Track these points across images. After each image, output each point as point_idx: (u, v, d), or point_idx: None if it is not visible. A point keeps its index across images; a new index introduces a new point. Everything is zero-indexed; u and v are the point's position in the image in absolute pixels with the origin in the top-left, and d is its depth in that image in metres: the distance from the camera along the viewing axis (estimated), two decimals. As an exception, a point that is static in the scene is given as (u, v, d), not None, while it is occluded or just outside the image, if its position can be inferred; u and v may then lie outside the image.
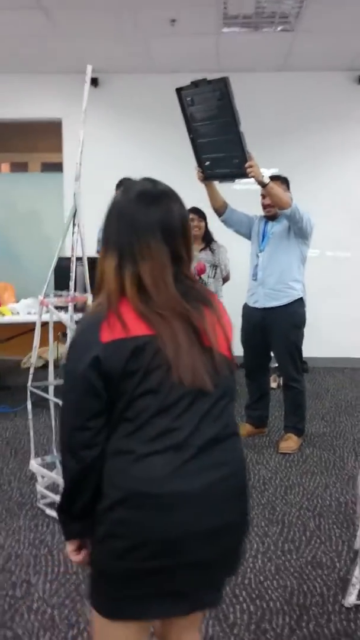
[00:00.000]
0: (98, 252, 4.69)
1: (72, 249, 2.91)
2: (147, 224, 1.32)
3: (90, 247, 3.42)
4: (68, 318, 2.93)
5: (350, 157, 6.09)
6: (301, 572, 2.54)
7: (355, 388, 5.46)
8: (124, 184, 1.43)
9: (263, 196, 3.87)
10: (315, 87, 6.04)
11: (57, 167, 6.73)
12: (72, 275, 2.94)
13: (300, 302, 3.85)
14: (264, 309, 3.84)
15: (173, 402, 1.27)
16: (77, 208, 2.87)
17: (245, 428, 4.10)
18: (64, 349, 3.76)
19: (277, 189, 3.52)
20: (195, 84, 3.22)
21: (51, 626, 2.21)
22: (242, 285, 4.11)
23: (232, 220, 3.93)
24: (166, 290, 1.30)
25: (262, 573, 2.53)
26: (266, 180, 3.42)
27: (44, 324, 4.69)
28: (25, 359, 6.01)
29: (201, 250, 4.59)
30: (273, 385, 5.53)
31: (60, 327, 3.64)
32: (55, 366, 3.24)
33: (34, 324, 4.86)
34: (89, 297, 2.99)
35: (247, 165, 3.30)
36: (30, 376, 3.10)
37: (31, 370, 3.10)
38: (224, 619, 2.23)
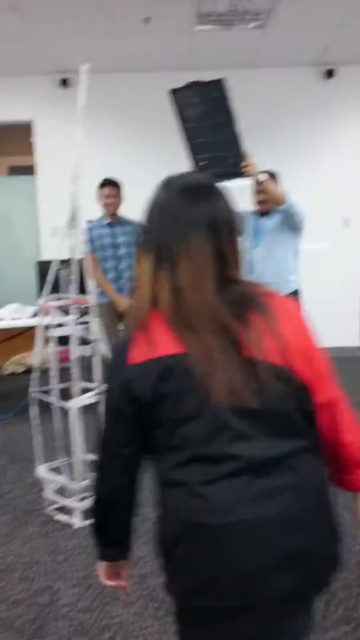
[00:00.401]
0: (87, 254, 4.67)
1: (69, 252, 2.88)
2: (192, 219, 1.19)
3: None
4: (71, 321, 2.90)
5: (321, 151, 6.21)
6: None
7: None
8: (165, 180, 1.34)
9: (257, 192, 3.92)
10: (285, 83, 6.14)
11: (27, 169, 6.66)
12: (73, 277, 2.90)
13: (296, 293, 3.93)
14: None
15: (220, 426, 1.12)
16: (75, 210, 2.84)
17: None
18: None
19: (273, 185, 3.56)
20: (190, 85, 3.24)
21: (82, 632, 2.19)
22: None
23: None
24: (204, 295, 1.16)
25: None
26: (262, 177, 3.45)
27: (30, 329, 4.65)
28: (6, 364, 5.92)
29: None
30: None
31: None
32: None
33: (18, 329, 4.85)
34: (91, 299, 2.97)
35: (243, 164, 3.33)
36: (33, 382, 3.05)
37: (34, 376, 3.05)
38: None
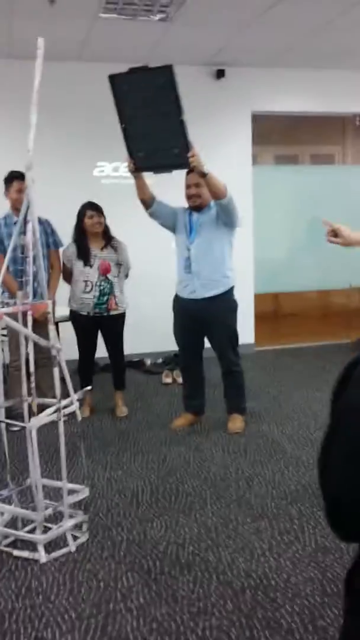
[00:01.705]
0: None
1: (27, 249, 2.54)
2: None
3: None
4: (28, 331, 2.56)
5: (216, 149, 6.20)
6: (316, 560, 2.53)
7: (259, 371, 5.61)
8: None
9: (188, 186, 3.79)
10: (178, 81, 6.05)
11: None
12: (30, 279, 2.56)
13: (232, 289, 3.91)
14: (202, 299, 3.81)
15: None
16: (30, 203, 2.52)
17: (186, 417, 4.22)
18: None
19: (215, 178, 3.46)
20: (133, 70, 3.02)
21: None
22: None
23: (159, 213, 3.79)
24: None
25: (283, 571, 2.47)
26: (206, 170, 3.34)
27: None
28: None
29: (102, 248, 4.33)
30: (167, 380, 5.50)
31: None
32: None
33: None
34: (49, 305, 2.65)
35: (189, 155, 3.18)
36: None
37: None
38: (278, 627, 2.12)
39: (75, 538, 2.72)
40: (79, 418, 2.80)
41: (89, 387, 3.23)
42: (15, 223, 4.13)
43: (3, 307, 2.64)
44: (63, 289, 4.42)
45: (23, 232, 2.55)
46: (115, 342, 4.50)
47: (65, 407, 2.64)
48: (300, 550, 2.61)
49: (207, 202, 3.86)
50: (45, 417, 2.60)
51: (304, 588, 2.34)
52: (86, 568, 2.53)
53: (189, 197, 3.83)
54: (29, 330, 2.54)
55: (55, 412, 2.61)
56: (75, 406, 2.71)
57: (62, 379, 2.69)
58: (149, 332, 5.74)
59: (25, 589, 2.41)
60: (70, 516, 2.72)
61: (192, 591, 2.35)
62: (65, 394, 2.67)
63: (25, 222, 2.55)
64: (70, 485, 2.76)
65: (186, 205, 3.91)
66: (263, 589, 2.34)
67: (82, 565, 2.56)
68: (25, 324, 2.58)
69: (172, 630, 2.12)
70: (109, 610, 2.25)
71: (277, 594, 2.31)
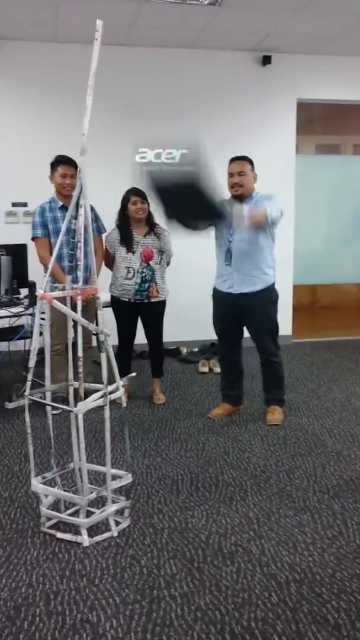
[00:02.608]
0: (33, 238, 4.23)
1: (79, 233, 2.53)
2: None
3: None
4: (77, 316, 2.55)
5: (259, 136, 6.13)
6: (362, 557, 2.49)
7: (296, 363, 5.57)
8: None
9: (231, 175, 3.77)
10: (223, 67, 5.99)
11: None
12: (80, 264, 2.56)
13: (273, 285, 3.87)
14: (240, 294, 3.78)
15: None
16: (83, 187, 2.50)
17: (224, 407, 4.20)
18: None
19: (275, 211, 3.64)
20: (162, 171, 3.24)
21: (145, 668, 1.92)
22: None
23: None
24: None
25: (328, 566, 2.44)
26: (268, 214, 3.55)
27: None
28: None
29: (145, 235, 4.32)
30: (204, 369, 5.48)
31: None
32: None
33: None
34: (98, 289, 2.65)
35: (248, 223, 3.50)
36: (28, 383, 2.67)
37: (29, 378, 2.67)
38: (325, 622, 2.10)
39: (117, 523, 2.73)
40: (124, 404, 2.80)
41: (133, 374, 3.21)
42: (60, 207, 4.17)
43: (52, 291, 2.64)
44: (104, 275, 4.42)
45: (74, 217, 2.54)
46: (154, 330, 4.49)
47: (110, 392, 2.63)
48: (345, 546, 2.57)
49: (249, 192, 3.82)
50: (91, 403, 2.60)
51: (350, 584, 2.31)
52: (129, 554, 2.54)
53: (231, 185, 3.79)
54: (78, 315, 2.54)
55: (101, 397, 2.60)
56: (120, 392, 2.70)
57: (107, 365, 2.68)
58: (186, 320, 5.73)
59: (69, 571, 2.42)
60: (113, 501, 2.73)
61: (236, 582, 2.34)
62: (111, 380, 2.67)
63: (77, 206, 2.53)
64: (114, 471, 2.77)
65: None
66: (308, 583, 2.32)
67: (125, 550, 2.56)
68: (74, 309, 2.57)
69: (216, 620, 2.11)
70: (153, 596, 2.25)
71: (323, 589, 2.28)
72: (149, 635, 2.04)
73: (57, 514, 2.73)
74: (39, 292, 2.53)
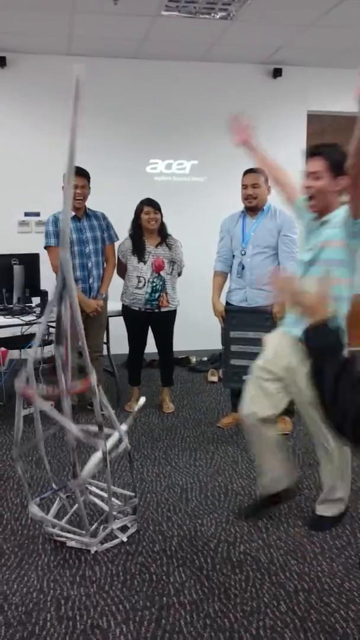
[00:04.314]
0: (46, 247, 4.29)
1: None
2: None
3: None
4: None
5: (270, 148, 6.06)
6: (370, 567, 2.50)
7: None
8: None
9: (245, 186, 3.81)
10: (234, 79, 6.05)
11: None
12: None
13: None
14: (251, 307, 3.82)
15: None
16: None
17: (233, 417, 4.17)
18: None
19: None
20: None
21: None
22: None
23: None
24: None
25: (336, 576, 2.45)
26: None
27: None
28: None
29: (157, 245, 4.36)
30: (213, 379, 5.50)
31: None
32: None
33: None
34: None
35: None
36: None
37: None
38: (333, 632, 2.11)
39: (124, 529, 2.75)
40: (128, 447, 2.73)
41: (142, 399, 3.05)
42: (72, 218, 4.21)
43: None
44: (116, 284, 4.46)
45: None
46: (164, 339, 4.53)
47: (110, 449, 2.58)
48: (354, 556, 2.58)
49: (262, 204, 3.85)
50: (91, 468, 2.56)
51: (359, 594, 2.32)
52: (138, 561, 2.56)
53: (245, 197, 3.84)
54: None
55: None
56: (124, 443, 2.65)
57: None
58: (195, 329, 5.75)
59: (80, 577, 2.45)
60: (116, 518, 2.74)
61: (245, 590, 2.35)
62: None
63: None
64: (119, 490, 2.81)
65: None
66: (317, 592, 2.33)
67: (134, 557, 2.59)
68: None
69: (225, 627, 2.13)
70: (163, 603, 2.27)
71: (331, 598, 2.29)
72: (166, 634, 2.06)
73: (63, 533, 2.69)
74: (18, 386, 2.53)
